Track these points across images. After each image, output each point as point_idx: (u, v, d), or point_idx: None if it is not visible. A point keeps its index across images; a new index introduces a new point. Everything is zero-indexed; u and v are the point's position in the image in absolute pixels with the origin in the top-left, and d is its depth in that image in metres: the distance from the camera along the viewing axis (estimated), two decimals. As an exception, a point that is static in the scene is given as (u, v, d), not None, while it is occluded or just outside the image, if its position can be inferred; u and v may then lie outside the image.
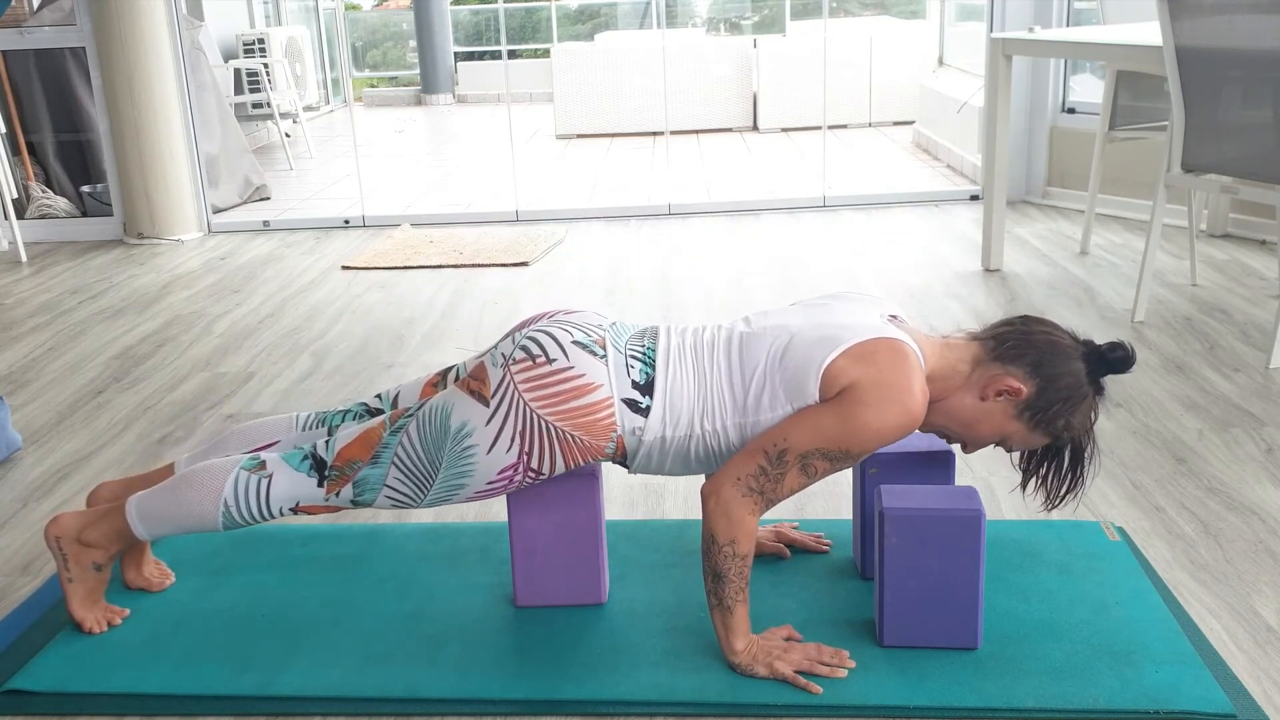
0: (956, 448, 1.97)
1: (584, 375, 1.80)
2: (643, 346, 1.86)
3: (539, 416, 1.79)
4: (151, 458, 2.81)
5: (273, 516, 1.90)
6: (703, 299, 4.04)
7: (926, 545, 1.78)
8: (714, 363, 1.84)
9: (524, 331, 1.88)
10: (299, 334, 3.83)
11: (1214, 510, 2.32)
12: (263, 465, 1.90)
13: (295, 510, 1.90)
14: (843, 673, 1.78)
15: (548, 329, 1.86)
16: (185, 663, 1.88)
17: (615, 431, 1.82)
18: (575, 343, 1.83)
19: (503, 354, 1.84)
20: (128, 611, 2.02)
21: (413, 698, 1.78)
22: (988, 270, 4.23)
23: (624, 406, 1.81)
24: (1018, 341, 1.84)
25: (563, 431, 1.80)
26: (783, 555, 2.16)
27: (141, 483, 2.10)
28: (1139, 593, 1.98)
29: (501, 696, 1.77)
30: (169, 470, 2.10)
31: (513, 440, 1.80)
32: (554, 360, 1.81)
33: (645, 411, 1.82)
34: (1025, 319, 1.89)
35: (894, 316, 1.90)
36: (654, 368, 1.83)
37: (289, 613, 2.02)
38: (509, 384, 1.80)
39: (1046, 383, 1.81)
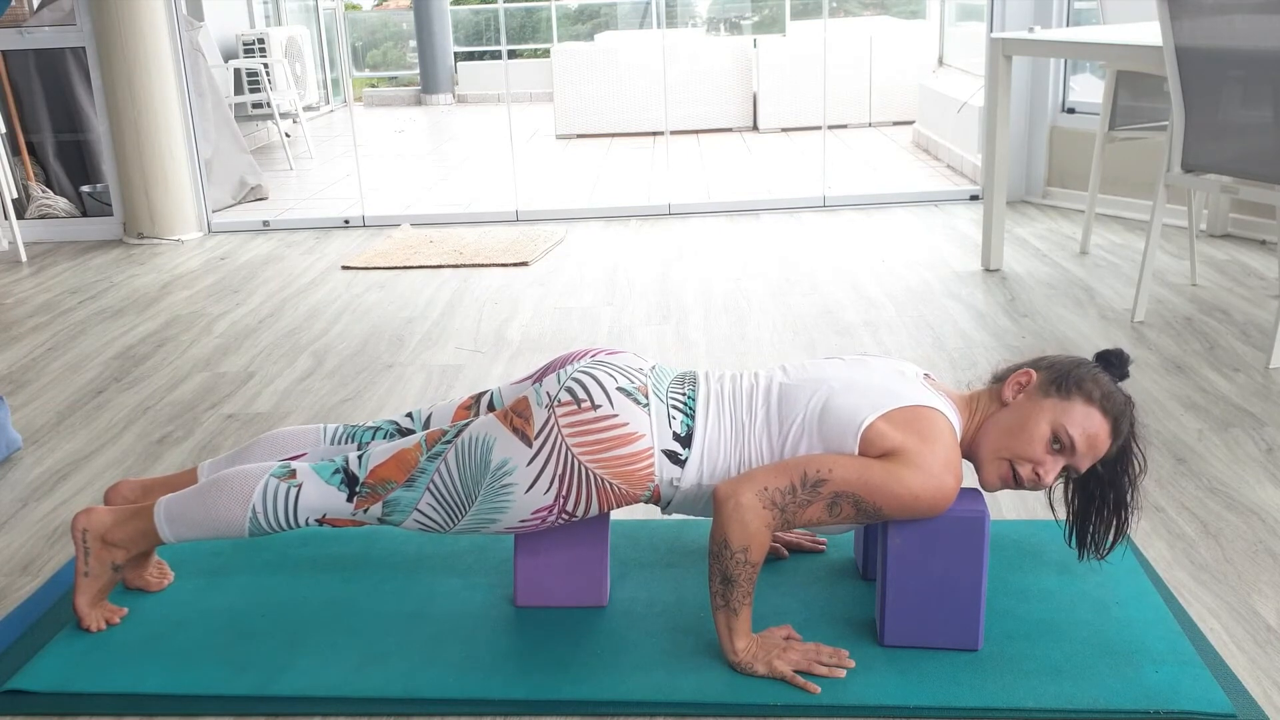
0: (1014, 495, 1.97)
1: (627, 425, 1.81)
2: (683, 394, 1.88)
3: (580, 462, 1.81)
4: (151, 458, 2.81)
5: (298, 525, 1.91)
6: (703, 299, 4.04)
7: (930, 546, 1.78)
8: (752, 413, 1.85)
9: (568, 371, 1.88)
10: (299, 334, 3.83)
11: (1214, 510, 2.32)
12: (293, 474, 1.90)
13: (321, 522, 1.91)
14: (841, 672, 1.78)
15: (592, 371, 1.86)
16: (185, 663, 1.88)
17: (653, 481, 1.83)
18: (620, 389, 1.84)
19: (548, 393, 1.85)
20: (125, 611, 2.02)
21: (413, 698, 1.78)
22: (988, 270, 4.23)
23: (663, 458, 1.83)
24: (1014, 365, 1.96)
25: (602, 479, 1.81)
26: (780, 555, 2.16)
27: (163, 486, 2.12)
28: (1139, 593, 1.99)
29: (501, 696, 1.77)
30: (192, 475, 2.12)
31: (551, 483, 1.82)
32: (599, 407, 1.82)
33: (683, 463, 1.83)
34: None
35: (926, 375, 1.93)
36: (694, 418, 1.85)
37: (289, 613, 2.02)
38: (553, 426, 1.81)
39: (1049, 361, 1.91)
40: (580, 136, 8.49)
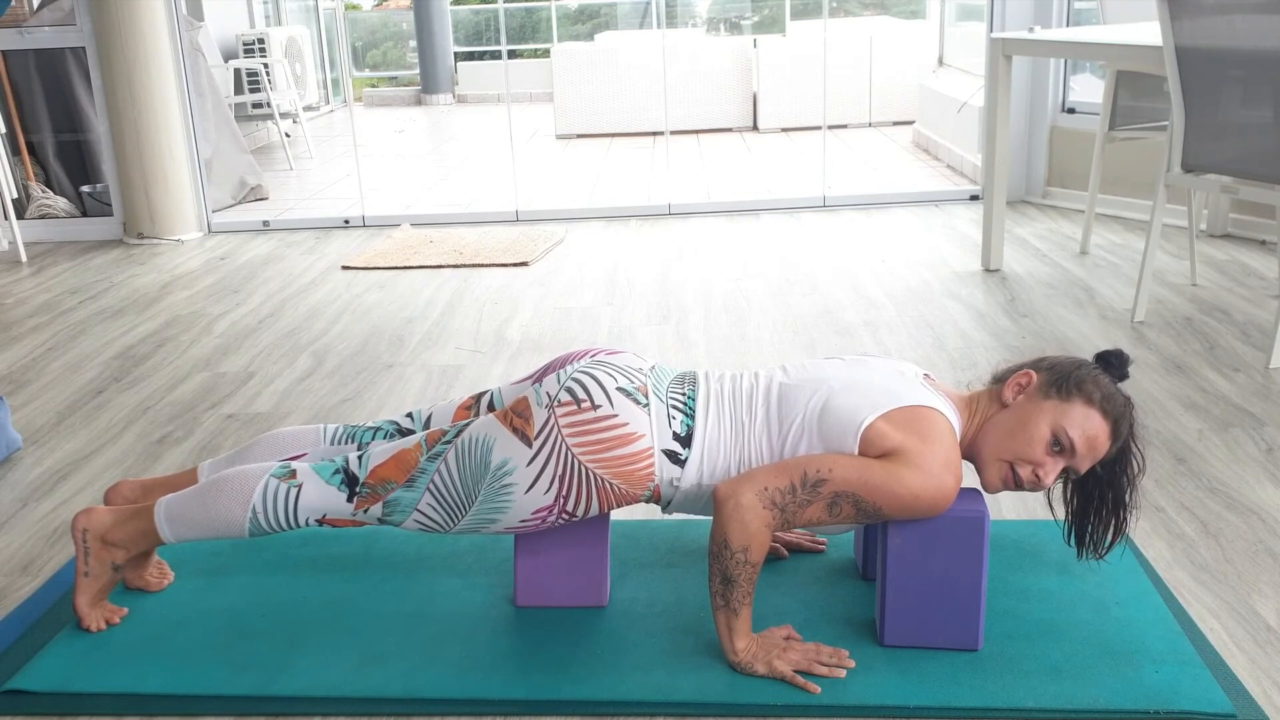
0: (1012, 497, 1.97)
1: (627, 425, 1.82)
2: (683, 394, 1.88)
3: (580, 462, 1.81)
4: (151, 458, 2.81)
5: (299, 525, 1.91)
6: (703, 299, 4.04)
7: (930, 546, 1.78)
8: (752, 413, 1.85)
9: (568, 371, 1.88)
10: (299, 334, 3.83)
11: (1214, 510, 2.32)
12: (293, 474, 1.91)
13: (321, 522, 1.91)
14: (841, 672, 1.78)
15: (592, 371, 1.87)
16: (185, 663, 1.88)
17: (653, 481, 1.84)
18: (619, 389, 1.84)
19: (548, 393, 1.85)
20: (125, 611, 2.02)
21: (413, 698, 1.78)
22: (988, 270, 4.23)
23: (663, 457, 1.83)
24: (1014, 365, 1.96)
25: (602, 479, 1.81)
26: (780, 555, 2.16)
27: (163, 486, 2.12)
28: (1139, 593, 1.99)
29: (501, 696, 1.77)
30: (193, 475, 2.12)
31: (551, 483, 1.82)
32: (599, 407, 1.82)
33: (683, 463, 1.83)
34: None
35: (926, 375, 1.93)
36: (694, 418, 1.85)
37: (289, 613, 2.02)
38: (553, 426, 1.82)
39: (1049, 362, 1.90)
40: (580, 136, 8.49)
